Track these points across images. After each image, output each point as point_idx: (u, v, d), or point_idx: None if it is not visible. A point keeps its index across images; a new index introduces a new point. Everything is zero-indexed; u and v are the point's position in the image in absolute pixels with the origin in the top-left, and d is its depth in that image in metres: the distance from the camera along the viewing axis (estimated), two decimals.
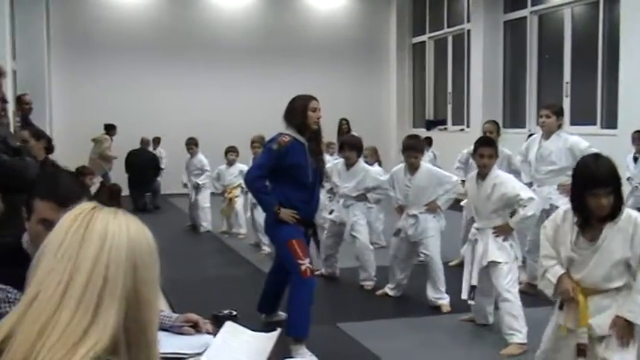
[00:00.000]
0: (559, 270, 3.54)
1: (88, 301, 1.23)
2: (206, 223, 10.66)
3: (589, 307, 3.46)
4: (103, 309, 1.24)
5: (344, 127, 12.61)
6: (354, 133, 10.81)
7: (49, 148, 5.80)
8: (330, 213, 7.29)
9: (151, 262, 1.33)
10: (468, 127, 13.94)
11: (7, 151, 4.02)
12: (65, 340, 1.20)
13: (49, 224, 2.21)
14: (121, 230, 1.31)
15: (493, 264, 5.17)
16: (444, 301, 6.19)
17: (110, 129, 13.39)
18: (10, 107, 6.48)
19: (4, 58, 7.16)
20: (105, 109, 14.15)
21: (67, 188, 2.31)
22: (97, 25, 14.60)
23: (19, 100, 8.39)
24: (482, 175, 5.31)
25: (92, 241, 1.27)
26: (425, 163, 6.52)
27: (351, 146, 7.03)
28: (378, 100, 16.39)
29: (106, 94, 14.46)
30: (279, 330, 2.34)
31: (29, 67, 12.55)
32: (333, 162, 7.61)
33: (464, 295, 5.40)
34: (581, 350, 3.45)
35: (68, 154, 12.54)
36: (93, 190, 9.48)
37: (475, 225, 5.46)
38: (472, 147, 5.56)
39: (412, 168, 6.33)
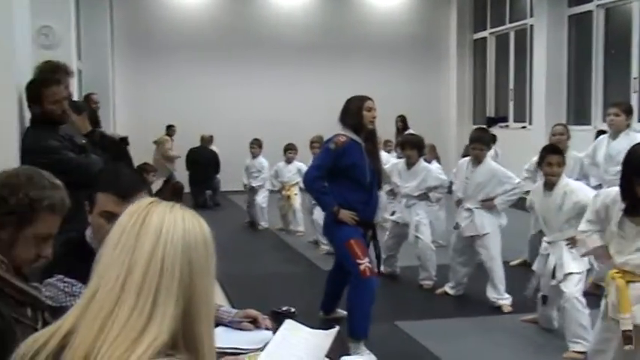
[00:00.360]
0: (597, 240, 3.52)
1: (146, 297, 1.25)
2: (264, 222, 10.74)
3: (630, 295, 3.38)
4: (160, 304, 1.25)
5: (399, 124, 12.53)
6: (411, 131, 10.74)
7: (95, 121, 5.73)
8: (392, 214, 7.26)
9: (207, 256, 1.33)
10: (530, 124, 13.66)
11: (73, 149, 4.12)
12: (125, 335, 1.21)
13: (110, 216, 2.25)
14: (177, 224, 1.31)
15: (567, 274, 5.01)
16: (505, 301, 6.08)
17: (169, 129, 13.67)
18: None
19: (69, 58, 7.33)
20: (166, 107, 14.40)
21: (128, 182, 2.36)
22: (158, 24, 14.85)
23: (87, 99, 8.59)
24: (549, 184, 5.11)
25: (148, 236, 1.29)
26: (489, 159, 6.40)
27: (412, 145, 6.97)
28: (437, 97, 16.21)
29: (167, 92, 14.69)
30: (337, 327, 2.33)
31: (94, 66, 12.85)
32: (393, 162, 7.57)
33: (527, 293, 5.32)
34: (627, 337, 3.36)
35: (132, 152, 12.80)
36: (155, 187, 9.66)
37: (545, 239, 5.24)
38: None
39: (476, 161, 6.24)
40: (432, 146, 9.03)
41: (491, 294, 6.15)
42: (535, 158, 7.21)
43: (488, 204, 6.19)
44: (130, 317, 1.23)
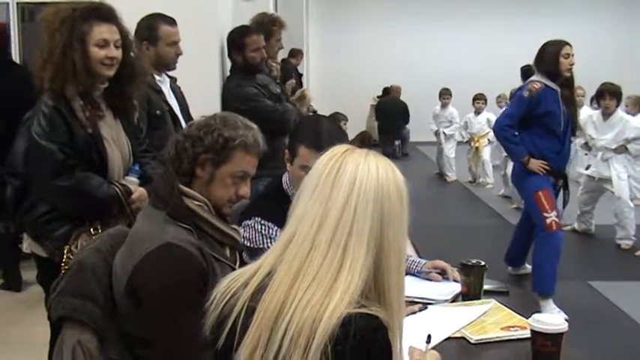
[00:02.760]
0: None
1: (337, 245, 1.27)
2: (451, 173, 10.61)
3: None
4: (351, 252, 1.26)
5: None
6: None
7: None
8: (587, 168, 6.87)
9: (400, 206, 1.32)
10: None
11: (270, 97, 4.27)
12: (318, 282, 1.24)
13: (309, 170, 2.29)
14: (370, 173, 1.31)
15: None
16: None
17: (386, 92, 13.85)
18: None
19: (267, 10, 7.56)
20: (357, 57, 14.57)
21: (330, 137, 2.31)
22: None
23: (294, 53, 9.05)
24: None
25: (342, 185, 1.30)
26: None
27: (611, 94, 6.48)
28: None
29: (357, 42, 14.85)
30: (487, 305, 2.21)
31: (289, 17, 13.13)
32: (587, 113, 7.13)
33: None
34: None
35: (322, 102, 13.14)
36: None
37: None
38: None
39: None
40: (638, 98, 8.36)
41: None
42: None
43: None
44: (322, 264, 1.26)
